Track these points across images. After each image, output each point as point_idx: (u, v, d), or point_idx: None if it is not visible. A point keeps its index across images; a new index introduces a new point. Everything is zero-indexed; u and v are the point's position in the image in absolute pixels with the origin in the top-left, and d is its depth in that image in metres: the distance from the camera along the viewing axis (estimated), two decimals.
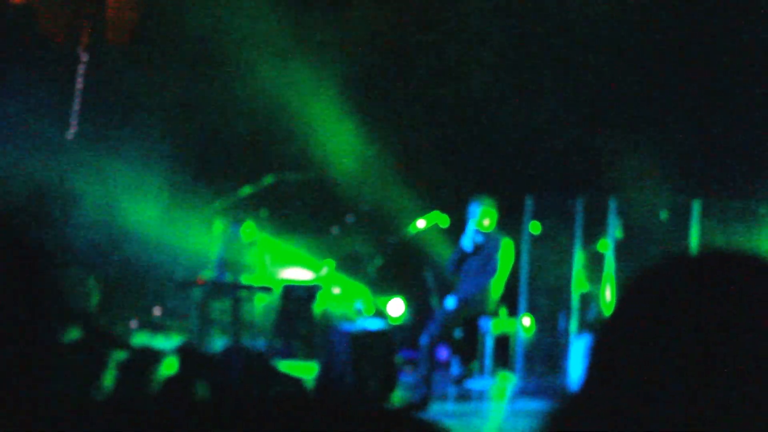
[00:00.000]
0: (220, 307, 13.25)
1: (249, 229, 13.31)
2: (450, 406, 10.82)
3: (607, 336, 1.29)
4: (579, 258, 11.79)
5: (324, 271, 13.71)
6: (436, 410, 10.50)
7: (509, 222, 11.63)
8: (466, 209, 11.37)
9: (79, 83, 15.02)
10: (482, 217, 11.23)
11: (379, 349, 11.49)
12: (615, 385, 1.23)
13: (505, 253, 11.24)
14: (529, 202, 11.91)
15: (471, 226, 11.24)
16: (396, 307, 13.64)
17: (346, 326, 12.01)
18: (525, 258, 11.82)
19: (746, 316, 1.19)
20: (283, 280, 13.79)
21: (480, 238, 11.22)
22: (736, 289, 1.21)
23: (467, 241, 11.19)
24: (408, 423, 1.48)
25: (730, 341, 1.17)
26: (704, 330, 1.18)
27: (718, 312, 1.19)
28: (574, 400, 1.32)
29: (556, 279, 11.90)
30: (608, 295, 11.47)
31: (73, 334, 12.59)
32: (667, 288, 1.25)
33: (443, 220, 12.31)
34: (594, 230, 11.91)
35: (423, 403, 10.54)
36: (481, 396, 11.18)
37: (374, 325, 12.03)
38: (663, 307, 1.23)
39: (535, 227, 12.01)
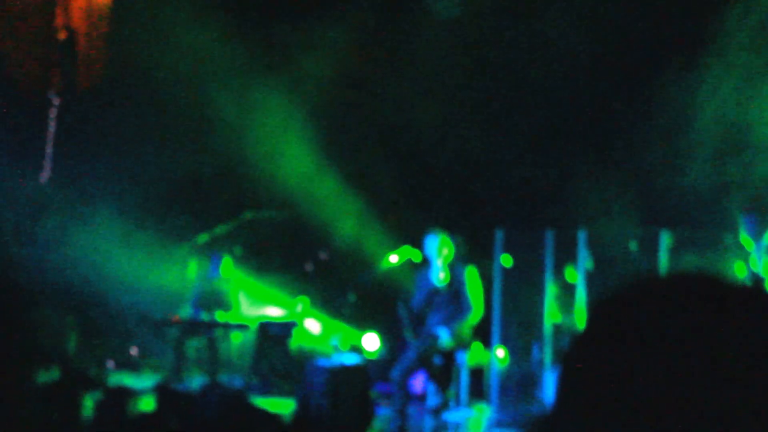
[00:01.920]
0: (196, 345, 13.36)
1: (226, 265, 13.43)
2: None
3: (574, 358, 1.28)
4: (550, 289, 11.94)
5: (299, 307, 13.81)
6: None
7: (480, 255, 11.75)
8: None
9: (52, 126, 15.12)
10: (441, 249, 11.31)
11: (355, 384, 11.60)
12: (584, 408, 1.22)
13: (472, 280, 11.32)
14: (499, 236, 12.05)
15: (435, 261, 11.32)
16: (371, 342, 13.73)
17: (323, 361, 12.11)
18: (497, 290, 11.96)
19: (715, 337, 1.18)
20: (258, 317, 13.88)
21: (443, 270, 11.32)
22: (704, 310, 1.21)
23: (435, 276, 11.28)
24: None
25: (698, 362, 1.17)
26: (672, 350, 1.18)
27: (686, 333, 1.19)
28: (544, 424, 1.32)
29: (529, 310, 12.04)
30: (580, 325, 11.60)
31: (51, 375, 12.59)
32: (635, 309, 1.24)
33: (415, 255, 12.43)
34: (564, 262, 12.07)
35: None
36: (457, 428, 11.26)
37: (350, 359, 12.13)
38: (630, 327, 1.22)
39: (506, 260, 12.16)
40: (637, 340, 1.20)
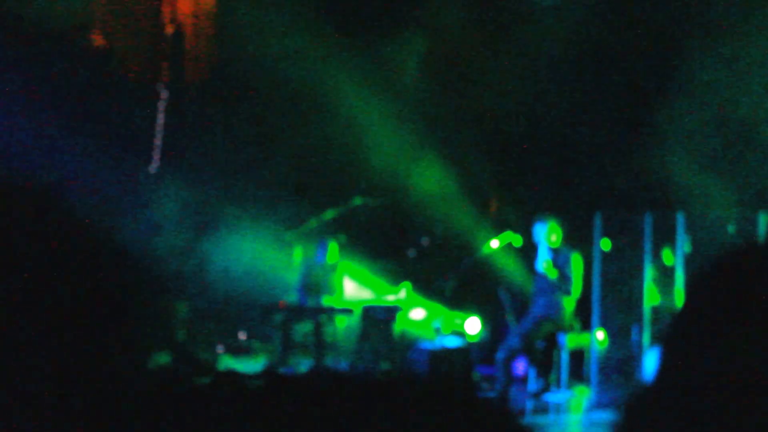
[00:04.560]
0: (302, 329, 13.63)
1: (332, 250, 13.68)
2: (528, 420, 11.05)
3: (678, 326, 1.26)
4: (649, 272, 12.00)
5: (402, 293, 14.00)
6: None
7: (580, 239, 11.89)
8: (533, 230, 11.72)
9: (161, 119, 15.52)
10: (549, 235, 11.56)
11: (458, 365, 11.86)
12: (686, 376, 1.19)
13: (576, 267, 11.54)
14: (598, 220, 12.15)
15: (543, 248, 11.54)
16: (473, 325, 13.81)
17: (426, 344, 12.38)
18: (597, 273, 12.05)
19: None
20: (363, 302, 14.12)
21: (550, 255, 11.53)
22: None
23: (540, 262, 11.49)
24: (501, 413, 1.34)
25: None
26: None
27: None
28: (646, 393, 1.27)
29: (628, 293, 12.11)
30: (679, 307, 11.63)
31: (162, 359, 13.03)
32: (736, 275, 1.19)
33: (516, 240, 12.65)
34: (662, 244, 12.13)
35: None
36: (558, 409, 11.41)
37: (452, 342, 12.38)
38: (732, 293, 1.18)
39: (605, 244, 12.27)
40: (738, 310, 1.15)
